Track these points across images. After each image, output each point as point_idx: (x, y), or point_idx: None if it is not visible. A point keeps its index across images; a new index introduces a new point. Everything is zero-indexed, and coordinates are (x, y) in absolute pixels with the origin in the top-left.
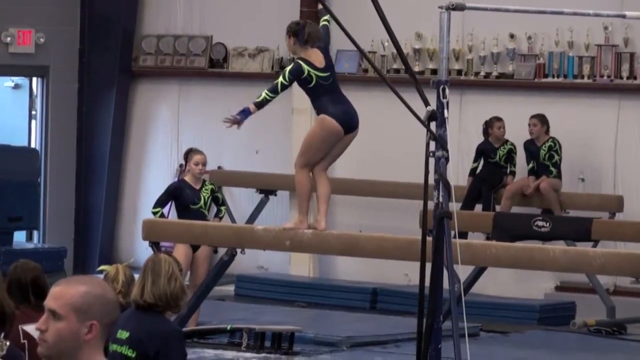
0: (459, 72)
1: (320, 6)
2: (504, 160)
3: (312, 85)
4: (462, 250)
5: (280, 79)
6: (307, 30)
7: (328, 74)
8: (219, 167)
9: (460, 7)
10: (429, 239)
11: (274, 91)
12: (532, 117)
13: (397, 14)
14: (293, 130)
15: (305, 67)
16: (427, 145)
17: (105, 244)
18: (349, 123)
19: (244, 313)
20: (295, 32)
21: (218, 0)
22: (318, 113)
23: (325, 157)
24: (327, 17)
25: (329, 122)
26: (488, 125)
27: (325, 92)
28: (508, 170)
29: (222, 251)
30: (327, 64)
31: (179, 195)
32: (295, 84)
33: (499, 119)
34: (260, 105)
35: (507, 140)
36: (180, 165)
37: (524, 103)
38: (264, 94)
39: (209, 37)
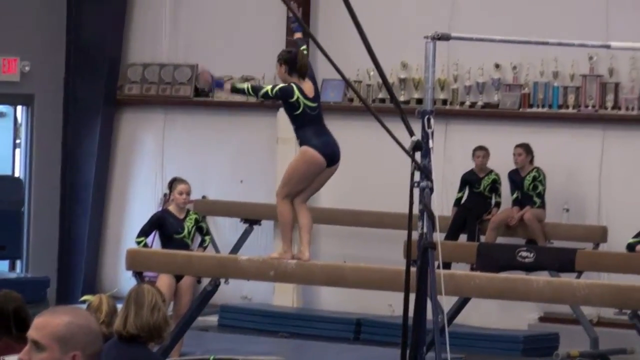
0: (444, 101)
1: (294, 36)
2: (488, 191)
3: (298, 112)
4: (445, 280)
5: (268, 87)
6: (299, 59)
7: (316, 104)
8: (203, 197)
9: (446, 37)
10: (413, 269)
11: (255, 91)
12: (517, 146)
13: (382, 43)
14: (278, 160)
15: (297, 92)
16: (412, 175)
17: (89, 273)
18: (332, 156)
19: (228, 343)
20: (287, 60)
21: (204, 29)
22: (301, 144)
23: (306, 189)
24: (304, 47)
25: (312, 154)
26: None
27: (310, 123)
28: (493, 201)
29: (205, 281)
30: (316, 94)
31: (162, 225)
32: (282, 111)
33: (480, 148)
34: (235, 90)
35: (491, 170)
36: (165, 195)
37: (509, 133)
38: (245, 85)
39: (195, 66)
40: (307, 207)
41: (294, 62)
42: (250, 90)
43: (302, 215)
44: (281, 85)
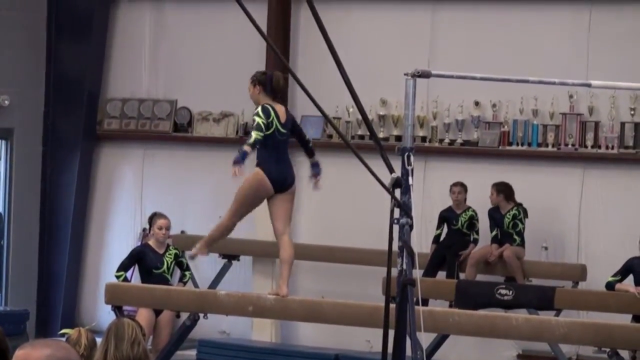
0: (424, 138)
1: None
2: (466, 227)
3: (268, 133)
4: (424, 317)
5: (257, 119)
6: (274, 80)
7: (286, 131)
8: (182, 232)
9: (426, 75)
10: (392, 305)
11: (259, 129)
12: (492, 185)
13: (362, 80)
14: None
15: (272, 111)
16: (392, 212)
17: (68, 307)
18: (282, 183)
19: None
20: (262, 81)
21: (183, 64)
22: (257, 164)
23: (275, 218)
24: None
25: (261, 177)
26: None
27: (275, 147)
28: (471, 238)
29: (184, 315)
30: (287, 120)
31: (142, 259)
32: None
33: (457, 184)
34: (253, 145)
35: (468, 207)
36: (144, 229)
37: (488, 170)
38: (254, 134)
39: (174, 102)
40: (289, 241)
41: (268, 83)
42: (258, 133)
43: (284, 249)
44: (259, 111)
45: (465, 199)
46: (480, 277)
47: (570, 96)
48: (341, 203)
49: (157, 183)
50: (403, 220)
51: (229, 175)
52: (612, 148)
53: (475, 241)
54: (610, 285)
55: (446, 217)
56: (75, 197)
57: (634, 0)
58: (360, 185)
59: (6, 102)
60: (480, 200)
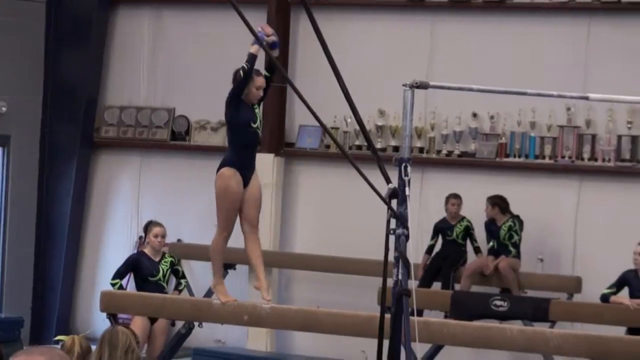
0: (421, 149)
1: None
2: (462, 238)
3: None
4: (419, 328)
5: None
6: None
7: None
8: (179, 240)
9: (424, 86)
10: (387, 316)
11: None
12: (487, 198)
13: (360, 91)
14: None
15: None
16: (388, 222)
17: (63, 314)
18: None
19: None
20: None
21: (181, 73)
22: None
23: (244, 216)
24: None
25: (222, 173)
26: (445, 201)
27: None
28: (468, 248)
29: (179, 324)
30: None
31: (137, 267)
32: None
33: (455, 196)
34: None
35: (463, 217)
36: (140, 237)
37: (485, 182)
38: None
39: (172, 110)
40: (255, 239)
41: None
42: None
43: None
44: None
45: (460, 210)
46: (475, 288)
47: (568, 109)
48: (338, 213)
49: (153, 191)
50: (399, 231)
51: None
52: (609, 161)
53: (478, 249)
54: (605, 298)
55: (441, 228)
56: (71, 204)
57: (633, 14)
58: (357, 196)
59: (3, 108)
60: (477, 212)
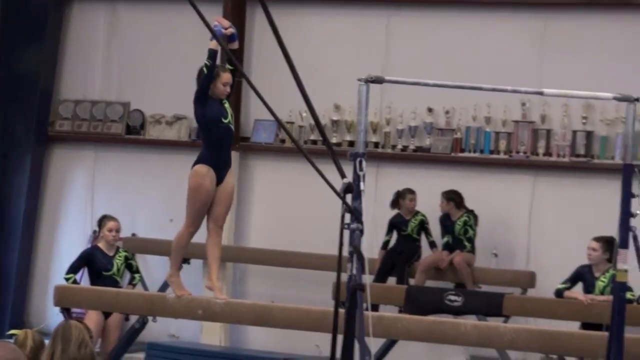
0: (376, 144)
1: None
2: (416, 233)
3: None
4: (374, 322)
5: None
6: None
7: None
8: (133, 235)
9: (379, 80)
10: (341, 310)
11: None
12: (442, 193)
13: (315, 85)
14: None
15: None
16: (342, 217)
17: (17, 308)
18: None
19: None
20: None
21: (136, 67)
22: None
23: (211, 213)
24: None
25: (196, 170)
26: (399, 197)
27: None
28: (422, 243)
29: (133, 318)
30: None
31: (91, 262)
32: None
33: (411, 192)
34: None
35: (417, 212)
36: (94, 232)
37: (440, 177)
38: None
39: (127, 104)
40: (216, 239)
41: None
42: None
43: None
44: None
45: (415, 205)
46: (430, 283)
47: (523, 104)
48: (293, 207)
49: (108, 185)
50: (354, 226)
51: (181, 178)
52: (564, 156)
53: (433, 244)
54: (559, 293)
55: (396, 223)
56: (25, 198)
57: (588, 10)
58: (312, 190)
59: None
60: (432, 207)
